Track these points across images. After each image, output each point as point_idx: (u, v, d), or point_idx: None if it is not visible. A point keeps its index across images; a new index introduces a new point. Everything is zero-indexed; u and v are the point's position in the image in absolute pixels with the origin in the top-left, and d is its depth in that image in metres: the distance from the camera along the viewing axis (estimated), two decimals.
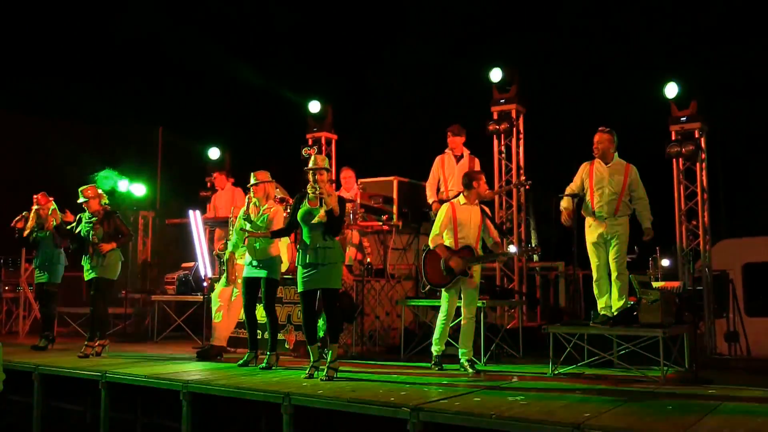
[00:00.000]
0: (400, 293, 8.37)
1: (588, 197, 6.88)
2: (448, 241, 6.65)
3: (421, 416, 4.61)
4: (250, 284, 6.92)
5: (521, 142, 9.54)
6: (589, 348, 6.63)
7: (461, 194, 6.84)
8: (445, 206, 6.76)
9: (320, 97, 10.78)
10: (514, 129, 9.47)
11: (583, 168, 7.08)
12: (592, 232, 6.89)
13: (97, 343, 7.87)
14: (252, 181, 6.99)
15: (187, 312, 9.92)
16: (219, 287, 7.80)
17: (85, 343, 7.90)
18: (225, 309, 7.59)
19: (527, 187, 8.32)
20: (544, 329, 6.73)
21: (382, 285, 8.39)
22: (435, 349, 6.70)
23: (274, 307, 6.94)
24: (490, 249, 6.67)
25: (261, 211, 6.95)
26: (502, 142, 9.58)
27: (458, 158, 8.20)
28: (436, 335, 6.71)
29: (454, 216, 6.65)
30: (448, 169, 8.22)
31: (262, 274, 6.84)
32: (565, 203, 6.88)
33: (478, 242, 6.62)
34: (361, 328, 7.96)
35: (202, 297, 9.05)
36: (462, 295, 6.63)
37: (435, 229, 6.72)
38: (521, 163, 9.52)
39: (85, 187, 8.09)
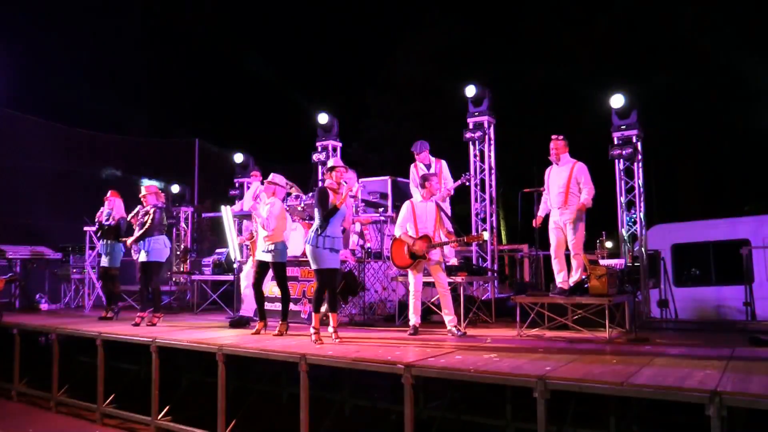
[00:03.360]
0: (394, 271, 8.32)
1: (547, 196, 6.92)
2: (410, 232, 6.58)
3: (413, 372, 4.61)
4: (260, 266, 6.82)
5: (492, 146, 9.50)
6: (549, 314, 6.64)
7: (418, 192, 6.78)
8: (405, 203, 6.69)
9: (328, 110, 10.71)
10: (486, 137, 9.44)
11: (546, 172, 7.07)
12: (551, 219, 6.90)
13: (153, 315, 7.77)
14: (268, 180, 6.95)
15: (221, 289, 9.94)
16: (246, 269, 7.80)
17: (138, 314, 7.87)
18: (251, 287, 7.58)
19: (467, 182, 8.24)
20: (512, 300, 6.76)
21: (380, 265, 8.37)
22: (411, 319, 6.61)
23: (284, 283, 6.80)
24: (445, 237, 6.56)
25: (267, 205, 6.88)
26: (477, 148, 9.54)
27: (427, 165, 8.15)
28: (410, 308, 6.62)
29: (413, 211, 6.61)
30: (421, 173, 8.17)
31: (268, 258, 6.74)
32: (540, 207, 6.89)
33: (435, 231, 6.53)
34: (364, 300, 7.96)
35: (233, 277, 9.07)
36: (431, 274, 6.56)
37: (399, 222, 6.67)
38: (492, 164, 9.47)
39: (148, 183, 8.07)
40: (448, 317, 6.52)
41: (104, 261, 8.63)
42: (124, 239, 8.29)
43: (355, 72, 23.56)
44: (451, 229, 6.51)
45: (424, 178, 6.67)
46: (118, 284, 8.81)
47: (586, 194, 6.63)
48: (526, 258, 11.37)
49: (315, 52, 23.61)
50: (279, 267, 6.72)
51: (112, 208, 8.71)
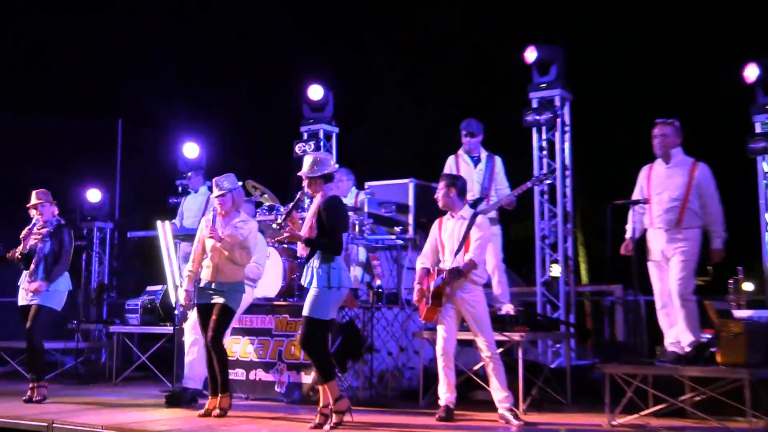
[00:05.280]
0: (419, 323, 8.27)
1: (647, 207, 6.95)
2: (445, 262, 6.66)
3: None
4: (204, 312, 6.92)
5: (567, 135, 9.45)
6: (654, 393, 6.56)
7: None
8: (437, 221, 6.82)
9: (320, 81, 10.78)
10: (559, 121, 9.39)
11: (642, 172, 7.14)
12: (652, 247, 6.92)
13: (38, 384, 7.82)
14: (215, 191, 7.00)
15: (154, 347, 9.88)
16: (193, 317, 7.71)
17: (30, 385, 7.87)
18: (201, 343, 7.53)
19: (548, 181, 8.34)
20: (597, 369, 6.69)
21: (396, 313, 8.35)
22: (441, 397, 6.62)
23: (220, 334, 6.92)
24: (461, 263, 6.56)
25: (231, 224, 6.96)
26: (543, 136, 9.50)
27: (475, 160, 8.22)
28: (440, 380, 6.65)
29: (440, 232, 6.72)
30: (464, 174, 8.09)
31: (217, 299, 6.85)
32: (629, 225, 6.97)
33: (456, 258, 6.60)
34: (370, 367, 7.94)
35: (172, 328, 9.01)
36: (468, 327, 6.59)
37: (424, 249, 6.85)
38: (568, 162, 9.43)
39: (40, 189, 8.10)
40: (499, 395, 6.47)
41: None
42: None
43: (359, 26, 23.62)
44: (475, 259, 6.45)
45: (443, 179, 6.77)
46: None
47: (717, 225, 6.71)
48: (619, 305, 11.26)
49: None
50: (226, 313, 6.87)
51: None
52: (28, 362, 8.16)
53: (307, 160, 6.40)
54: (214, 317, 6.86)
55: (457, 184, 6.70)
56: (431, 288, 6.56)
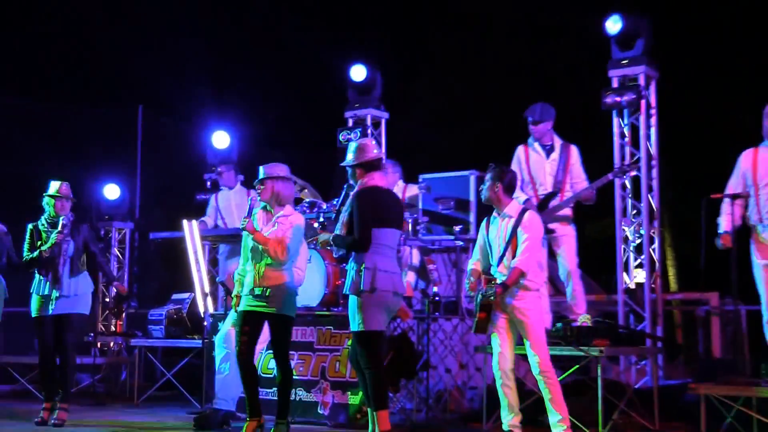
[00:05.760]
0: (480, 336, 8.15)
1: (753, 199, 6.95)
2: (493, 268, 6.63)
3: None
4: (247, 321, 6.74)
5: (654, 119, 9.27)
6: (759, 418, 6.52)
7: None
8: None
9: (365, 59, 10.72)
10: (643, 102, 9.17)
11: (745, 158, 7.08)
12: (759, 248, 6.92)
13: (61, 406, 7.80)
14: (261, 175, 6.89)
15: (181, 363, 9.88)
16: (225, 328, 7.78)
17: (43, 405, 7.90)
18: (233, 358, 7.47)
19: (632, 173, 8.35)
20: (691, 390, 6.74)
21: (455, 325, 8.37)
22: (504, 420, 6.57)
23: (286, 352, 6.81)
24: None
25: (272, 221, 6.84)
26: (625, 121, 9.32)
27: (547, 150, 8.13)
28: (501, 400, 6.61)
29: (487, 230, 6.67)
30: (535, 165, 8.20)
31: (263, 307, 6.68)
32: (724, 218, 6.95)
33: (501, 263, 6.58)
34: (426, 386, 7.90)
35: (201, 341, 9.02)
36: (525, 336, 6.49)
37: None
38: (655, 152, 9.22)
39: (59, 182, 8.04)
40: (555, 417, 6.40)
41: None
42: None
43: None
44: (522, 266, 6.35)
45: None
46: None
47: None
48: (716, 315, 11.06)
49: None
50: (282, 323, 6.71)
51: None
52: (46, 378, 8.04)
53: (350, 148, 6.34)
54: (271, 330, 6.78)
55: (505, 178, 6.58)
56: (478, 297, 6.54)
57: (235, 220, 9.94)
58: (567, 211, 7.97)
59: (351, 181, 6.34)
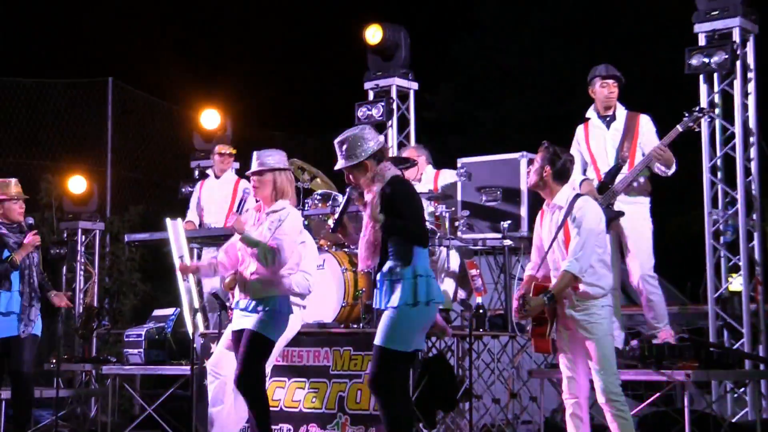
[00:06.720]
0: (536, 356, 8.27)
1: None
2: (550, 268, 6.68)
3: None
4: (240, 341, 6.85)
5: (751, 84, 9.23)
6: None
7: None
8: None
9: (386, 19, 10.77)
10: (739, 63, 9.16)
11: None
12: None
13: None
14: (256, 165, 6.95)
15: (165, 394, 9.95)
16: (219, 350, 7.76)
17: None
18: (230, 386, 7.53)
19: (708, 117, 8.51)
20: None
21: (504, 343, 8.43)
22: None
23: (260, 384, 6.91)
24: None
25: (261, 217, 6.94)
26: (715, 87, 9.30)
27: (608, 120, 8.17)
28: None
29: (541, 222, 6.73)
30: (596, 142, 8.27)
31: (247, 324, 6.80)
32: None
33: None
34: (469, 420, 7.91)
35: (189, 368, 9.03)
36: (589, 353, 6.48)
37: None
38: (752, 122, 9.25)
39: (12, 179, 8.20)
40: None
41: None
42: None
43: None
44: (574, 269, 6.33)
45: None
46: None
47: None
48: None
49: None
50: (258, 342, 6.76)
51: None
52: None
53: (341, 147, 6.28)
54: (241, 348, 6.82)
55: (557, 161, 6.56)
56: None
57: (213, 215, 10.07)
58: (642, 198, 8.03)
59: (355, 184, 6.30)
